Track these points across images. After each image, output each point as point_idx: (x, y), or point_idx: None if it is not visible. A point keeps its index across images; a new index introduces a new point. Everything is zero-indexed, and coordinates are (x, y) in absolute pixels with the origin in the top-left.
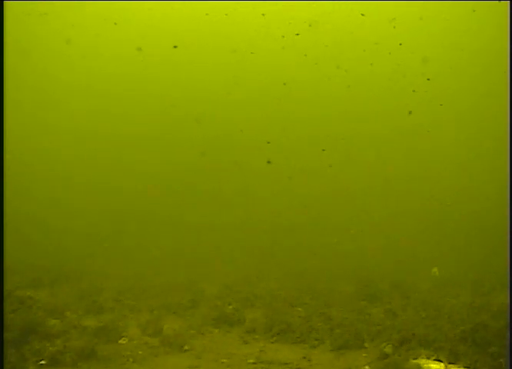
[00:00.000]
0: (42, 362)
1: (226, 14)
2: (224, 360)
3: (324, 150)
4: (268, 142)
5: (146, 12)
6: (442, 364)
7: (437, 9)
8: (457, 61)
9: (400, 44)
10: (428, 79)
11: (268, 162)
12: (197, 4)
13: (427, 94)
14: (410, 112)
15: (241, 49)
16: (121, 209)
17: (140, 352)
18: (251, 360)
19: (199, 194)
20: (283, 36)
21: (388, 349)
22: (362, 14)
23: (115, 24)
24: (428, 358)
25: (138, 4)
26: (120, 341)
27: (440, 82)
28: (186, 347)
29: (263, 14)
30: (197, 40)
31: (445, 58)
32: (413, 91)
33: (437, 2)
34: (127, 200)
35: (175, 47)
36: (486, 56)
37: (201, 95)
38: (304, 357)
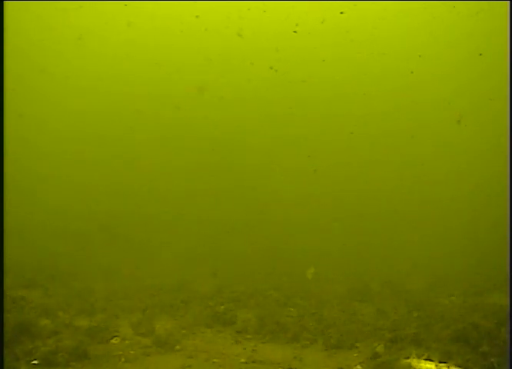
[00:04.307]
0: (34, 362)
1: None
2: (216, 360)
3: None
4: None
5: (151, 13)
6: (433, 364)
7: (439, 9)
8: (458, 60)
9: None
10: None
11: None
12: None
13: (427, 93)
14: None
15: (246, 50)
16: (114, 210)
17: (132, 352)
18: (243, 360)
19: (193, 195)
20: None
21: (380, 348)
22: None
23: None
24: (420, 357)
25: (144, 4)
26: (112, 341)
27: (441, 82)
28: (178, 347)
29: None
30: (204, 40)
31: (446, 57)
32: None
33: (439, 2)
34: (119, 200)
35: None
36: (486, 56)
37: (207, 95)
38: (296, 357)
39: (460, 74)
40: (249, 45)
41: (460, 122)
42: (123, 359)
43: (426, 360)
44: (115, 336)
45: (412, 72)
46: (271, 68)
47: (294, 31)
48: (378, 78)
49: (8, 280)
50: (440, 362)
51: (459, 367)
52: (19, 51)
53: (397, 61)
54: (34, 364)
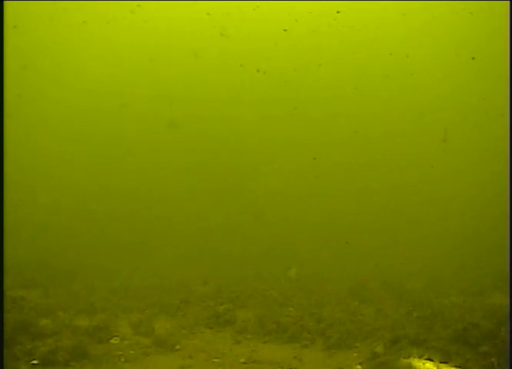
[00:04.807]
0: (34, 362)
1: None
2: (216, 360)
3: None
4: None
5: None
6: (433, 364)
7: (440, 9)
8: (457, 60)
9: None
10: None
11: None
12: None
13: (428, 93)
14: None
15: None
16: (113, 209)
17: (131, 352)
18: (243, 360)
19: (194, 195)
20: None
21: (379, 348)
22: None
23: (113, 24)
24: (420, 357)
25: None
26: (112, 341)
27: (441, 81)
28: (178, 347)
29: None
30: (204, 40)
31: (446, 57)
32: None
33: (440, 2)
34: (119, 200)
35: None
36: (486, 56)
37: (205, 95)
38: (296, 357)
39: (460, 74)
40: (247, 46)
41: (445, 140)
42: (122, 359)
43: (426, 360)
44: (115, 336)
45: (412, 74)
46: (258, 70)
47: (285, 30)
48: (377, 78)
49: (8, 280)
50: (441, 362)
51: (459, 367)
52: (19, 52)
53: (397, 61)
54: (34, 363)
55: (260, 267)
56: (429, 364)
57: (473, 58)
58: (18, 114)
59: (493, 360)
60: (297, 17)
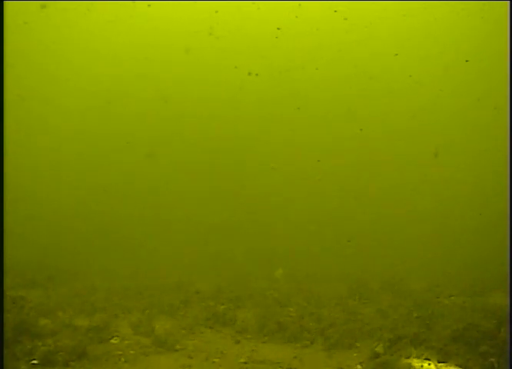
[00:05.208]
0: (34, 361)
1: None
2: (216, 360)
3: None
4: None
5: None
6: (433, 363)
7: (441, 10)
8: (457, 61)
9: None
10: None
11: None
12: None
13: (430, 93)
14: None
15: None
16: (113, 210)
17: (131, 352)
18: (243, 360)
19: (194, 195)
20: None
21: (380, 348)
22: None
23: (115, 24)
24: (420, 357)
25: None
26: (112, 341)
27: (441, 82)
28: (178, 347)
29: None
30: (202, 39)
31: (446, 58)
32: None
33: (441, 3)
34: (119, 200)
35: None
36: (487, 56)
37: (204, 95)
38: (296, 357)
39: (460, 74)
40: (246, 45)
41: (437, 155)
42: (122, 359)
43: (426, 360)
44: (115, 336)
45: (410, 76)
46: (249, 73)
47: (278, 28)
48: (377, 78)
49: (8, 280)
50: (440, 362)
51: (459, 367)
52: (19, 52)
53: (397, 61)
54: (34, 363)
55: (260, 267)
56: (429, 364)
57: (466, 61)
58: (18, 114)
59: (493, 360)
60: (298, 14)
